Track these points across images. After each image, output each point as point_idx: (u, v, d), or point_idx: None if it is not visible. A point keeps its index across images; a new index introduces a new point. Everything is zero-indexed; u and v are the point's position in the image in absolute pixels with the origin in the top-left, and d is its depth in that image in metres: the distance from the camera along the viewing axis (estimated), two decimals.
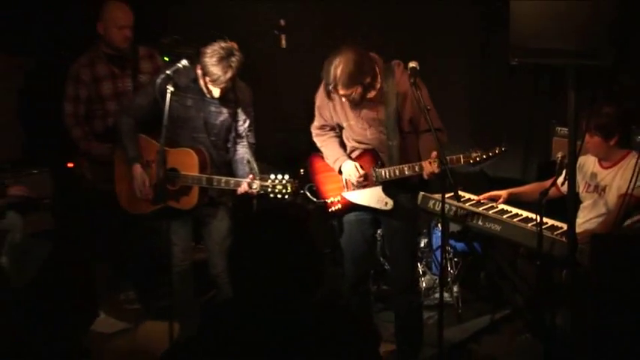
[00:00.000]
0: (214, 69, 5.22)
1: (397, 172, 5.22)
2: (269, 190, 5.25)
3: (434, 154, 5.04)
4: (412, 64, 5.10)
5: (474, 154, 5.06)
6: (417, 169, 5.14)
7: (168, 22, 7.90)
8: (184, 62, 5.32)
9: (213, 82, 5.29)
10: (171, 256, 5.60)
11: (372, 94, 5.18)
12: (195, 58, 5.52)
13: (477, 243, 6.81)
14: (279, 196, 5.24)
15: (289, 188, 5.22)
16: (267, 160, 6.62)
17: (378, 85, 5.19)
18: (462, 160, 5.06)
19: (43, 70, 7.77)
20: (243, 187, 5.33)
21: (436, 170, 5.04)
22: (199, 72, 5.35)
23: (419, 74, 5.08)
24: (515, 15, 4.29)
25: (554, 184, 5.48)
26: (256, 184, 5.28)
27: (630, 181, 5.04)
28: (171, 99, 5.21)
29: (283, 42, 6.92)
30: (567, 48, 4.18)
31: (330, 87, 5.12)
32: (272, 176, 5.25)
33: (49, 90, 6.98)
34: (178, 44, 7.10)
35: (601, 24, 4.07)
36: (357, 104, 5.21)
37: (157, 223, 5.84)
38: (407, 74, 5.13)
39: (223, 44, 5.28)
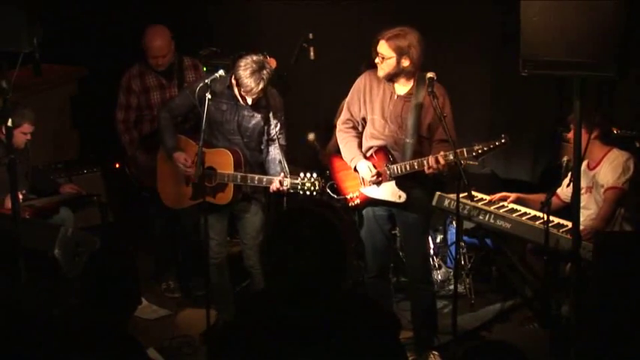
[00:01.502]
0: (247, 81, 5.27)
1: (407, 166, 5.23)
2: (298, 187, 5.28)
3: (442, 153, 5.05)
4: (430, 75, 5.13)
5: (477, 147, 5.04)
6: (424, 163, 5.15)
7: (206, 35, 7.94)
8: (221, 72, 5.41)
9: (247, 92, 5.33)
10: (208, 249, 5.62)
11: (404, 77, 5.25)
12: (231, 69, 5.58)
13: (489, 239, 6.79)
14: (307, 192, 5.27)
15: (317, 185, 5.26)
16: (297, 163, 6.65)
17: (412, 69, 5.22)
18: (465, 154, 5.04)
19: (95, 78, 7.83)
20: (275, 185, 5.36)
21: (441, 167, 5.06)
22: (234, 81, 5.39)
23: (435, 84, 5.12)
24: (525, 29, 4.29)
25: (553, 193, 5.53)
26: (287, 182, 5.31)
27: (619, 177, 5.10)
28: (208, 104, 5.27)
29: (312, 54, 6.91)
30: (574, 61, 4.17)
31: (378, 37, 5.19)
32: (301, 174, 5.28)
33: (100, 96, 7.04)
34: (216, 56, 7.13)
35: (605, 39, 4.07)
36: (389, 77, 5.25)
37: (196, 218, 5.88)
38: (435, 86, 5.14)
39: (255, 58, 5.33)
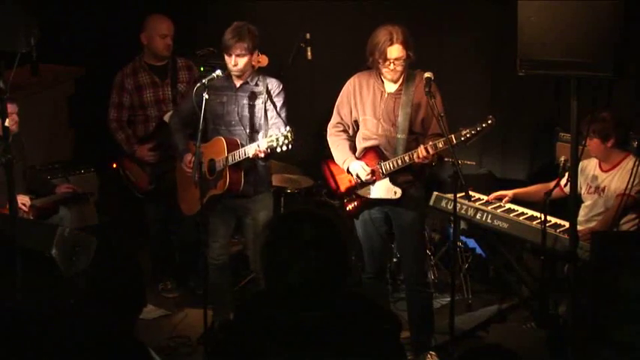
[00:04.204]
0: (227, 37, 5.37)
1: (399, 161, 5.25)
2: (274, 143, 5.22)
3: (430, 143, 5.06)
4: (427, 75, 5.13)
5: (464, 131, 5.04)
6: (414, 155, 5.16)
7: (203, 35, 7.94)
8: (218, 72, 5.41)
9: (228, 49, 5.38)
10: (210, 250, 5.61)
11: (400, 80, 5.25)
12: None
13: (486, 239, 6.79)
14: (284, 147, 5.21)
15: (290, 137, 5.20)
16: (298, 165, 6.67)
17: (413, 57, 5.22)
18: (453, 140, 5.04)
19: (92, 78, 7.84)
20: (253, 149, 5.34)
21: (429, 156, 5.07)
22: (226, 57, 5.44)
23: (433, 84, 5.10)
24: (522, 29, 4.30)
25: (557, 185, 5.48)
26: (263, 143, 5.27)
27: (628, 182, 5.04)
28: (208, 98, 5.31)
29: (309, 54, 6.93)
30: (571, 60, 4.19)
31: (386, 44, 5.13)
32: (274, 131, 5.28)
33: (97, 96, 7.05)
34: (213, 56, 7.14)
35: (602, 39, 4.08)
36: (395, 78, 5.25)
37: (205, 220, 5.89)
38: (424, 84, 5.15)
39: (239, 23, 5.43)
